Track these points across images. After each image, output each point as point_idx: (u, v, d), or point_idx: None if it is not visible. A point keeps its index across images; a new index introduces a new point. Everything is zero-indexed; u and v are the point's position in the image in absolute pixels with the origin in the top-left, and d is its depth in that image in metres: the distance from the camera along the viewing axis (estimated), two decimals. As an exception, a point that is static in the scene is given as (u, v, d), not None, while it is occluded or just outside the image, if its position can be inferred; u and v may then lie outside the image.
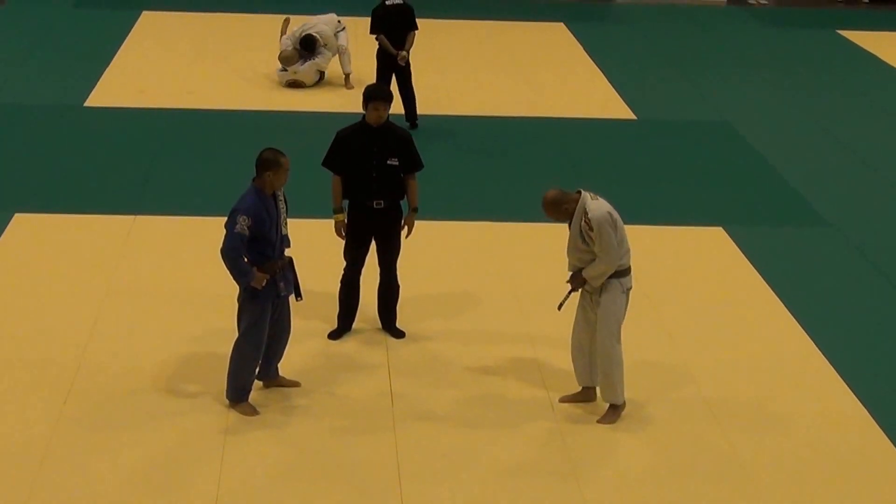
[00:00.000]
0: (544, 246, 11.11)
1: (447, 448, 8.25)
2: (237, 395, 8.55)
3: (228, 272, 8.29)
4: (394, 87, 14.07)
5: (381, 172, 9.30)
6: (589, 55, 18.63)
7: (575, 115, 15.76)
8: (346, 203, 9.47)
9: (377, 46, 14.45)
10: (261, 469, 7.95)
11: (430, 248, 11.15)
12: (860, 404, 9.00)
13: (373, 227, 9.44)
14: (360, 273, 9.60)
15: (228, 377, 8.55)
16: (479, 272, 10.93)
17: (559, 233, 9.10)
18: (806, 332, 10.06)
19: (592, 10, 22.48)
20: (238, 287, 8.40)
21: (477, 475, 7.97)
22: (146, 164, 13.39)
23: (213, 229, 9.24)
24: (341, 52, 16.31)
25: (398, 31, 14.35)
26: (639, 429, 8.56)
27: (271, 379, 8.84)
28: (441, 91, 16.41)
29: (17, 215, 11.74)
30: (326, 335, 9.65)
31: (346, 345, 9.59)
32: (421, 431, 8.44)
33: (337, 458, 8.10)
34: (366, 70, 15.50)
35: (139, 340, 9.49)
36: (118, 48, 17.87)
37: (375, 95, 9.34)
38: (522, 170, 13.61)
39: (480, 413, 8.69)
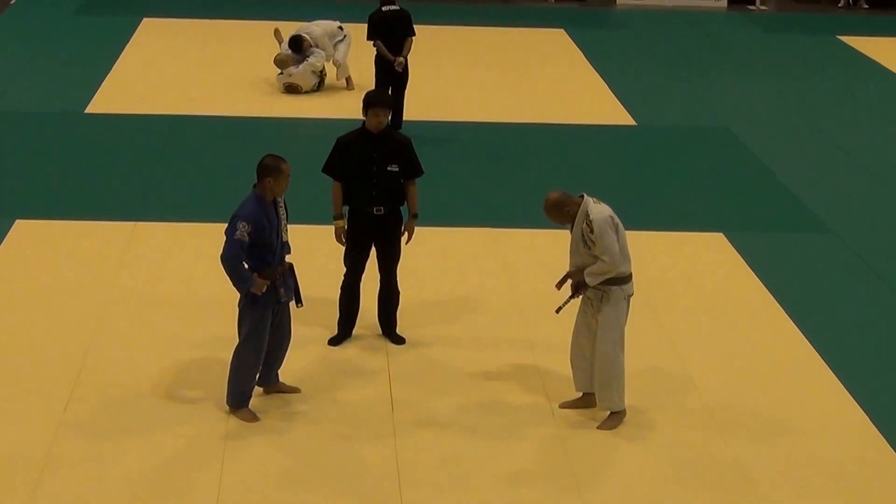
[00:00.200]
0: (544, 252, 11.12)
1: (447, 454, 8.25)
2: (238, 401, 8.55)
3: (228, 278, 8.30)
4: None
5: (382, 179, 9.31)
6: (589, 61, 18.64)
7: (575, 121, 15.77)
8: (346, 209, 9.48)
9: (375, 52, 14.45)
10: (261, 475, 7.94)
11: (430, 254, 11.15)
12: (861, 411, 8.99)
13: (373, 233, 9.45)
14: (360, 279, 9.61)
15: (229, 383, 8.55)
16: (479, 278, 10.94)
17: (559, 239, 9.11)
18: (806, 337, 10.05)
19: (593, 15, 22.50)
20: (239, 293, 8.40)
21: (478, 481, 7.96)
22: (147, 170, 13.40)
23: (213, 236, 9.25)
24: (336, 64, 16.39)
25: (395, 38, 14.31)
26: (639, 435, 8.55)
27: (272, 385, 8.84)
28: (442, 97, 16.42)
29: (18, 222, 11.75)
30: (327, 341, 9.65)
31: (347, 351, 9.59)
32: (421, 437, 8.44)
33: (337, 464, 8.10)
34: (365, 76, 15.50)
35: (139, 346, 9.49)
36: (119, 55, 17.90)
37: (376, 101, 9.35)
38: (523, 176, 13.61)
39: (481, 419, 8.69)
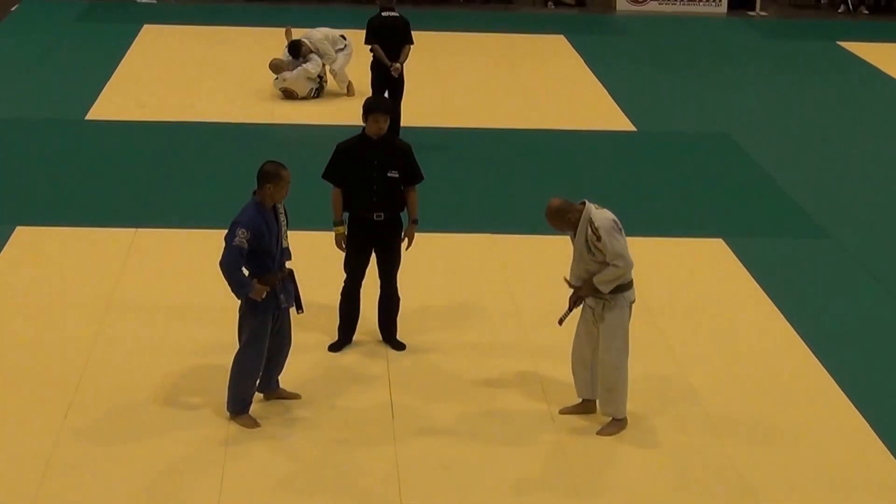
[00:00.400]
0: (545, 258, 11.12)
1: (448, 460, 8.25)
2: (238, 407, 8.56)
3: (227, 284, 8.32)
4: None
5: (382, 185, 9.32)
6: (589, 67, 18.66)
7: (575, 127, 15.78)
8: (346, 215, 9.49)
9: (371, 57, 14.44)
10: (261, 481, 7.95)
11: (430, 260, 11.16)
12: (861, 417, 8.98)
13: (373, 239, 9.46)
14: (360, 285, 9.61)
15: (229, 389, 8.56)
16: (479, 284, 10.94)
17: (560, 245, 9.12)
18: (806, 343, 10.05)
19: (592, 22, 22.53)
20: (239, 299, 8.42)
21: (478, 487, 7.97)
22: (147, 177, 13.41)
23: (214, 242, 9.23)
24: (333, 73, 16.45)
25: (393, 44, 14.31)
26: (639, 442, 8.55)
27: (272, 391, 8.85)
28: (442, 103, 16.44)
29: (18, 228, 11.76)
30: (327, 347, 9.66)
31: (347, 357, 9.60)
32: (421, 443, 8.44)
33: (337, 471, 8.10)
34: (365, 82, 15.51)
35: (140, 353, 9.50)
36: (119, 62, 17.92)
37: (375, 108, 9.37)
38: (523, 182, 13.62)
39: (481, 425, 8.69)
